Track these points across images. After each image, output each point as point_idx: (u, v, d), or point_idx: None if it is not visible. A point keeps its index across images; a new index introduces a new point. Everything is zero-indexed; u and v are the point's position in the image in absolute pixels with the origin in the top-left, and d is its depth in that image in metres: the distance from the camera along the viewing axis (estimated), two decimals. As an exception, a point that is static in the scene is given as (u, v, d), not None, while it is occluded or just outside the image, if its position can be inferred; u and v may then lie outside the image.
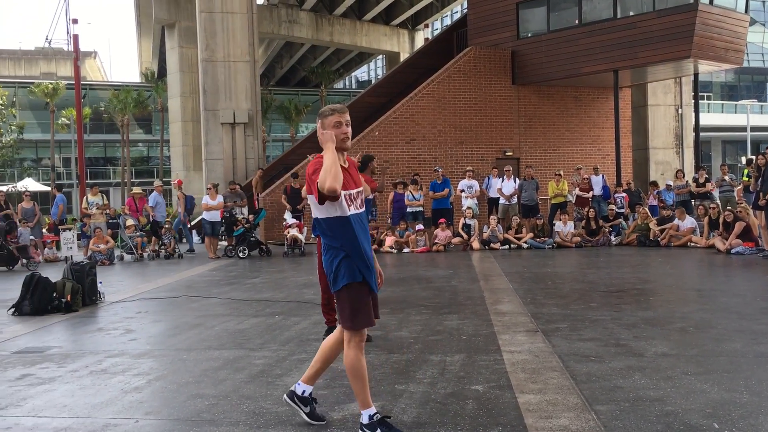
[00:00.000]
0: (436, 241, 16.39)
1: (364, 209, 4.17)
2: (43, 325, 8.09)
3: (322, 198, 3.91)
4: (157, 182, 19.61)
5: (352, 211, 4.02)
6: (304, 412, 4.26)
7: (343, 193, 3.95)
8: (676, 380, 4.96)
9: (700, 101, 29.39)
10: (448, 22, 48.61)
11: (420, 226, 16.62)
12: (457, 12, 47.03)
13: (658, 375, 5.10)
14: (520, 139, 22.50)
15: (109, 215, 18.53)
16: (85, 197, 18.61)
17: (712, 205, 15.47)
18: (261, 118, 24.17)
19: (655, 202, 18.15)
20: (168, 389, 5.19)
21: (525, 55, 21.99)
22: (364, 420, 3.96)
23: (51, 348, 6.81)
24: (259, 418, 4.40)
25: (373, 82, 53.12)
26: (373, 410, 3.97)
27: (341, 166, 4.05)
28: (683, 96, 26.24)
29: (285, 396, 4.37)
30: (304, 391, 4.30)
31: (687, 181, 18.16)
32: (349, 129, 4.12)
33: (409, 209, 17.15)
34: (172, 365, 5.94)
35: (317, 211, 4.03)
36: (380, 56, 54.60)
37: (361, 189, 4.15)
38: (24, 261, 15.30)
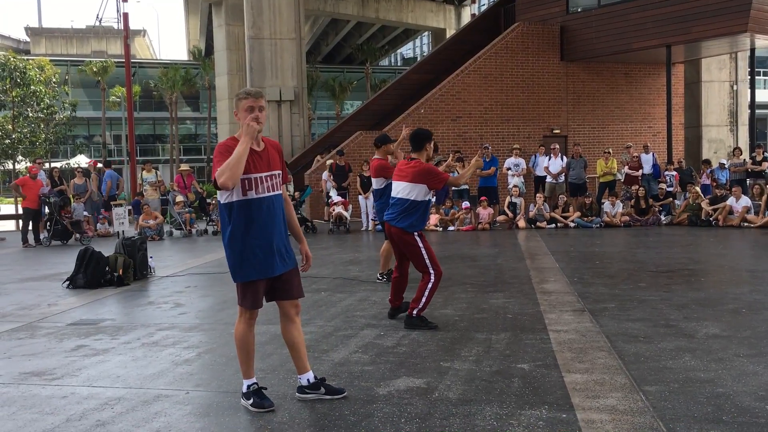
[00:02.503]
0: (480, 219, 16.30)
1: (278, 192, 4.17)
2: (96, 298, 8.32)
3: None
4: None
5: (251, 195, 4.03)
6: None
7: (243, 177, 3.96)
8: (727, 362, 4.87)
9: (757, 77, 28.48)
10: (495, -3, 47.86)
11: (466, 204, 16.54)
12: (504, -13, 46.22)
13: (709, 356, 5.01)
14: (568, 117, 22.15)
15: (160, 191, 18.85)
16: (140, 174, 18.97)
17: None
18: (307, 95, 24.24)
19: (707, 181, 17.72)
20: (217, 362, 5.29)
21: (574, 30, 21.55)
22: (243, 389, 4.26)
23: (104, 320, 7.00)
24: (305, 392, 4.45)
25: (418, 59, 52.74)
26: (251, 381, 4.25)
27: (254, 149, 4.04)
28: (738, 72, 25.45)
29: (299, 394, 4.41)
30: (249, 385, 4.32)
31: (744, 159, 17.65)
32: (263, 114, 4.05)
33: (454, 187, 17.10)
34: (220, 339, 6.05)
35: (219, 195, 4.13)
36: (426, 33, 54.11)
37: (276, 172, 4.14)
38: (77, 235, 15.72)
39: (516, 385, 4.49)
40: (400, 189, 6.27)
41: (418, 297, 6.18)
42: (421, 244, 6.17)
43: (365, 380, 4.70)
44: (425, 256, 6.16)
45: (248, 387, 4.23)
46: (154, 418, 4.10)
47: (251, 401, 4.18)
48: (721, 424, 3.75)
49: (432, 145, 6.41)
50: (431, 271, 6.15)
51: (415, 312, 6.19)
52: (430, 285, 6.15)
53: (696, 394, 4.23)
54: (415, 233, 6.19)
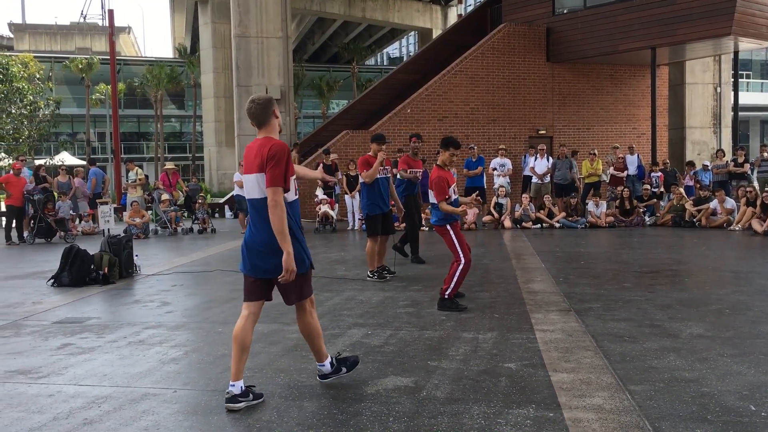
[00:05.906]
0: (465, 219, 16.33)
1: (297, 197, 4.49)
2: (81, 297, 8.27)
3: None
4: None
5: (294, 196, 4.41)
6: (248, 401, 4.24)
7: (299, 178, 4.44)
8: (711, 362, 4.92)
9: (740, 80, 28.69)
10: (481, -2, 47.99)
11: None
12: (491, -12, 46.36)
13: (694, 356, 5.07)
14: (554, 118, 22.25)
15: (142, 189, 18.76)
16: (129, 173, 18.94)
17: (749, 188, 15.14)
18: (293, 94, 24.17)
19: (691, 183, 17.86)
20: (204, 361, 5.28)
21: (560, 31, 21.65)
22: (326, 370, 4.60)
23: (90, 319, 6.96)
24: (293, 391, 4.46)
25: (405, 58, 52.78)
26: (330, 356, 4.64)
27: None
28: (722, 74, 25.64)
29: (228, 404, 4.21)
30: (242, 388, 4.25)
31: (727, 161, 17.82)
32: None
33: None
34: (208, 338, 6.04)
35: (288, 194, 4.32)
36: (412, 33, 54.18)
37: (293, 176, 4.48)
38: (62, 233, 15.59)
39: (503, 384, 4.52)
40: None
41: (449, 279, 6.90)
42: (452, 233, 6.99)
43: (353, 379, 4.71)
44: (456, 244, 6.97)
45: (331, 363, 4.67)
46: (142, 416, 4.10)
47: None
48: (705, 422, 3.80)
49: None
50: (462, 259, 6.90)
51: (446, 294, 6.91)
52: (459, 268, 6.89)
53: (681, 393, 4.28)
54: (447, 225, 7.01)
